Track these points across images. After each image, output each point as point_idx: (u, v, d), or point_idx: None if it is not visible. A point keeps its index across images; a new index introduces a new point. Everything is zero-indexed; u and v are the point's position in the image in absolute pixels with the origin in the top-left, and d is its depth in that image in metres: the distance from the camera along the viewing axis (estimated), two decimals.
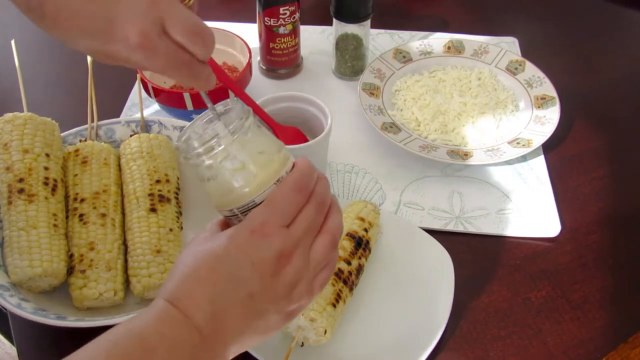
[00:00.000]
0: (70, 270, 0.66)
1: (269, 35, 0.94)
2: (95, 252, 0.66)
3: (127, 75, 0.95)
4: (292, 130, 0.81)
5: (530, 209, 0.80)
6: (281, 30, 0.92)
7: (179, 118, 0.84)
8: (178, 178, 0.75)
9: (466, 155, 0.83)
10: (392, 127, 0.87)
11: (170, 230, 0.69)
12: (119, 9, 0.48)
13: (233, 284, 0.43)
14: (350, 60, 0.97)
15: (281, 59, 0.97)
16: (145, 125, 0.80)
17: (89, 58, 0.77)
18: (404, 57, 0.98)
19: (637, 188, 0.83)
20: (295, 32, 0.94)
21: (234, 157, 0.46)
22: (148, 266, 0.66)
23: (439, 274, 0.69)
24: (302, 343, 0.63)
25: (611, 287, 0.72)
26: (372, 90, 0.92)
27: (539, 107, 0.90)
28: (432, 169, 0.85)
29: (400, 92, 0.94)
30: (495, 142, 0.86)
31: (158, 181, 0.72)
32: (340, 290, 0.64)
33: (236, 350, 0.45)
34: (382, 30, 1.08)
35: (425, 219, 0.78)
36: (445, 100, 0.91)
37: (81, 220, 0.68)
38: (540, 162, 0.86)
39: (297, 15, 0.92)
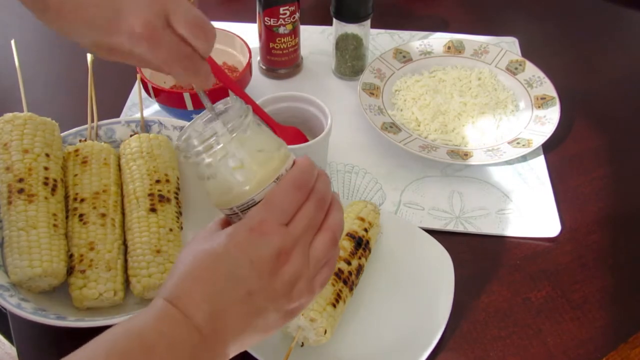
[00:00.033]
0: (70, 270, 0.66)
1: (269, 35, 0.94)
2: (95, 252, 0.66)
3: (127, 75, 0.95)
4: (292, 130, 0.81)
5: (530, 209, 0.80)
6: (281, 30, 0.92)
7: (179, 118, 0.84)
8: (178, 178, 0.75)
9: (466, 155, 0.83)
10: (392, 127, 0.87)
11: (170, 230, 0.69)
12: (123, 0, 0.48)
13: (232, 283, 0.43)
14: (350, 60, 0.97)
15: (281, 59, 0.97)
16: (145, 125, 0.80)
17: (89, 57, 0.77)
18: (404, 57, 0.98)
19: (637, 188, 0.83)
20: (295, 32, 0.94)
21: (233, 156, 0.46)
22: (148, 266, 0.66)
23: (439, 274, 0.69)
24: (302, 343, 0.63)
25: (611, 287, 0.72)
26: (372, 90, 0.92)
27: (539, 107, 0.90)
28: (432, 169, 0.85)
29: (400, 92, 0.94)
30: (495, 142, 0.86)
31: (158, 181, 0.72)
32: (340, 290, 0.64)
33: (236, 349, 0.45)
34: (382, 30, 1.08)
35: (425, 219, 0.78)
36: (445, 100, 0.91)
37: (81, 220, 0.68)
38: (540, 162, 0.86)
39: (297, 15, 0.92)
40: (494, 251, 0.76)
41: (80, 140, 0.77)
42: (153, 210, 0.69)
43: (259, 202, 0.46)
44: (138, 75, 0.85)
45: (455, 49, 0.99)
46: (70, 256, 0.67)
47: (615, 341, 0.67)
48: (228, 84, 0.79)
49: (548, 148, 0.87)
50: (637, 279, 0.73)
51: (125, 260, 0.68)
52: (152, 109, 0.93)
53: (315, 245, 0.46)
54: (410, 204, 0.80)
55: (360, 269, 0.68)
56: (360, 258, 0.68)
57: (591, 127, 0.91)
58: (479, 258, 0.75)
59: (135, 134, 0.79)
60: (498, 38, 1.06)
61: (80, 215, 0.68)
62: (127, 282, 0.68)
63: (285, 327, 0.62)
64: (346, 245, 0.67)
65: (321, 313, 0.61)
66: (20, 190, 0.67)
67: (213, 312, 0.42)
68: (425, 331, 0.65)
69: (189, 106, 0.84)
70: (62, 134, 0.76)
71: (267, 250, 0.44)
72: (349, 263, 0.66)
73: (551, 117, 0.88)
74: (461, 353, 0.66)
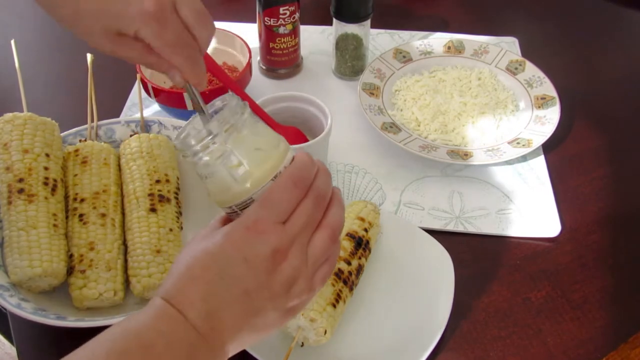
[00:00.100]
0: (70, 270, 0.66)
1: (269, 35, 0.94)
2: (95, 252, 0.66)
3: (127, 75, 0.95)
4: (292, 130, 0.81)
5: (530, 209, 0.80)
6: (281, 30, 0.92)
7: (179, 118, 0.84)
8: (178, 178, 0.75)
9: (466, 155, 0.83)
10: (392, 127, 0.87)
11: (170, 230, 0.69)
12: None
13: (227, 282, 0.43)
14: (350, 60, 0.97)
15: (281, 59, 0.97)
16: (145, 125, 0.80)
17: (89, 57, 0.77)
18: (404, 57, 0.98)
19: (637, 188, 0.83)
20: (295, 32, 0.94)
21: (230, 155, 0.45)
22: (148, 266, 0.66)
23: (439, 274, 0.69)
24: (302, 343, 0.63)
25: (611, 287, 0.72)
26: (372, 90, 0.92)
27: (539, 107, 0.90)
28: (432, 169, 0.85)
29: (400, 92, 0.94)
30: (495, 142, 0.86)
31: (158, 181, 0.72)
32: (340, 290, 0.64)
33: (235, 348, 0.45)
34: (382, 30, 1.08)
35: (425, 219, 0.78)
36: (445, 100, 0.91)
37: (81, 220, 0.68)
38: (540, 162, 0.86)
39: (297, 15, 0.92)
40: (494, 251, 0.76)
41: (80, 140, 0.77)
42: (153, 210, 0.69)
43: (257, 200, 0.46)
44: (138, 75, 0.85)
45: (455, 49, 0.99)
46: (70, 256, 0.67)
47: (615, 341, 0.67)
48: (228, 83, 0.79)
49: (548, 148, 0.87)
50: (637, 279, 0.73)
51: (125, 260, 0.68)
52: (152, 109, 0.93)
53: (313, 243, 0.46)
54: (410, 204, 0.80)
55: (360, 269, 0.68)
56: (360, 258, 0.68)
57: (591, 127, 0.91)
58: (479, 258, 0.75)
59: (135, 134, 0.79)
60: (498, 38, 1.06)
61: (80, 215, 0.68)
62: (127, 282, 0.68)
63: (285, 327, 0.62)
64: (346, 245, 0.67)
65: (321, 313, 0.61)
66: (20, 190, 0.67)
67: (210, 311, 0.42)
68: (425, 331, 0.65)
69: (189, 106, 0.84)
70: (62, 134, 0.76)
71: (262, 249, 0.43)
72: (349, 263, 0.66)
73: (551, 117, 0.88)
74: (461, 353, 0.66)
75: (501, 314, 0.69)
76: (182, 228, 0.72)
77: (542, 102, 0.90)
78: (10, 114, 0.71)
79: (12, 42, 0.74)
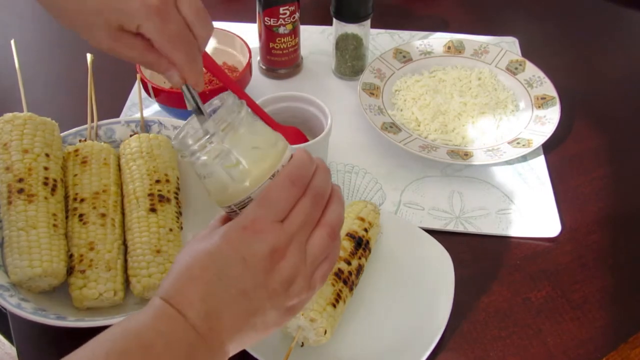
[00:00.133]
0: (70, 270, 0.66)
1: (269, 35, 0.94)
2: (95, 252, 0.66)
3: (127, 75, 0.95)
4: (292, 130, 0.81)
5: (530, 209, 0.80)
6: (281, 30, 0.92)
7: (179, 118, 0.84)
8: (178, 178, 0.75)
9: (466, 155, 0.83)
10: (392, 127, 0.87)
11: (170, 230, 0.69)
12: None
13: (225, 282, 0.43)
14: (350, 60, 0.97)
15: (281, 59, 0.97)
16: (145, 125, 0.80)
17: (88, 57, 0.77)
18: (404, 57, 0.98)
19: (637, 188, 0.83)
20: (295, 32, 0.94)
21: (227, 154, 0.45)
22: (148, 266, 0.66)
23: (439, 274, 0.69)
24: (302, 343, 0.63)
25: (611, 287, 0.72)
26: (372, 90, 0.92)
27: (539, 107, 0.90)
28: (432, 169, 0.85)
29: (400, 92, 0.94)
30: (496, 142, 0.86)
31: (158, 181, 0.72)
32: (340, 290, 0.64)
33: (236, 347, 0.45)
34: (382, 30, 1.08)
35: (425, 219, 0.78)
36: (445, 100, 0.91)
37: (81, 220, 0.68)
38: (540, 162, 0.86)
39: (297, 15, 0.92)
40: (494, 251, 0.76)
41: (80, 140, 0.77)
42: (153, 210, 0.69)
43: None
44: (138, 75, 0.85)
45: (455, 49, 0.99)
46: (70, 256, 0.67)
47: (615, 341, 0.67)
48: (228, 84, 0.79)
49: (548, 148, 0.87)
50: (637, 279, 0.73)
51: (125, 260, 0.68)
52: (152, 109, 0.93)
53: (312, 241, 0.46)
54: (410, 204, 0.80)
55: (360, 269, 0.68)
56: (360, 258, 0.68)
57: (591, 127, 0.91)
58: (479, 258, 0.75)
59: (135, 134, 0.79)
60: (498, 38, 1.06)
61: (80, 215, 0.68)
62: (127, 282, 0.68)
63: (285, 327, 0.62)
64: (346, 245, 0.67)
65: (321, 313, 0.60)
66: (20, 190, 0.67)
67: (208, 311, 0.42)
68: (425, 331, 0.65)
69: (189, 106, 0.84)
70: (62, 134, 0.76)
71: (260, 248, 0.43)
72: (349, 263, 0.66)
73: (551, 117, 0.88)
74: (461, 353, 0.66)
75: (501, 314, 0.69)
76: (182, 228, 0.72)
77: (542, 102, 0.90)
78: (10, 114, 0.71)
79: (12, 42, 0.74)
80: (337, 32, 0.95)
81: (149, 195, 0.70)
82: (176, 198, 0.73)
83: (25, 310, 0.61)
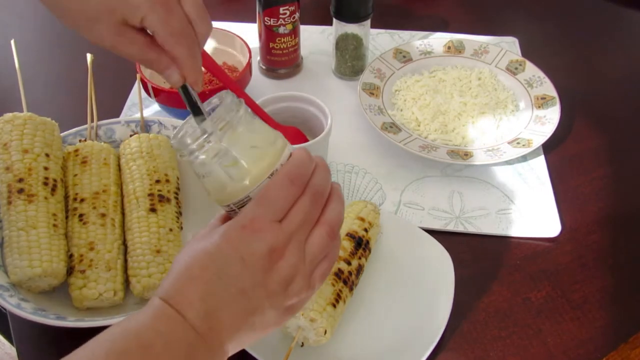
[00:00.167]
0: (70, 271, 0.66)
1: (269, 35, 0.94)
2: (95, 252, 0.66)
3: (127, 75, 0.95)
4: (292, 130, 0.81)
5: (530, 209, 0.80)
6: (281, 30, 0.92)
7: (178, 118, 0.84)
8: (178, 178, 0.75)
9: (466, 155, 0.83)
10: (392, 127, 0.87)
11: (170, 230, 0.69)
12: None
13: (224, 281, 0.43)
14: (350, 60, 0.97)
15: (281, 59, 0.97)
16: (145, 125, 0.80)
17: (88, 57, 0.77)
18: (404, 57, 0.98)
19: (637, 188, 0.83)
20: (295, 32, 0.94)
21: (225, 154, 0.45)
22: (148, 266, 0.66)
23: (439, 274, 0.69)
24: (302, 343, 0.63)
25: (611, 287, 0.72)
26: (372, 90, 0.92)
27: (539, 107, 0.90)
28: (432, 169, 0.85)
29: (400, 92, 0.94)
30: (496, 142, 0.86)
31: (158, 181, 0.72)
32: (340, 290, 0.64)
33: (235, 347, 0.45)
34: (382, 30, 1.08)
35: (425, 219, 0.78)
36: (445, 100, 0.91)
37: (81, 220, 0.68)
38: (540, 162, 0.86)
39: (297, 15, 0.92)
40: (494, 251, 0.76)
41: (80, 140, 0.77)
42: (153, 210, 0.69)
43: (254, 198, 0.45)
44: (138, 75, 0.84)
45: (455, 49, 0.99)
46: (70, 256, 0.67)
47: (615, 341, 0.67)
48: (227, 83, 0.79)
49: (548, 148, 0.87)
50: (637, 279, 0.73)
51: (125, 260, 0.68)
52: (152, 109, 0.93)
53: (311, 240, 0.46)
54: (410, 204, 0.80)
55: (360, 269, 0.68)
56: (360, 258, 0.68)
57: (591, 127, 0.91)
58: (479, 258, 0.75)
59: (135, 134, 0.79)
60: (498, 38, 1.06)
61: (80, 215, 0.68)
62: (127, 282, 0.68)
63: (285, 327, 0.62)
64: (346, 245, 0.67)
65: (321, 313, 0.60)
66: (20, 190, 0.67)
67: (207, 311, 0.42)
68: (425, 331, 0.65)
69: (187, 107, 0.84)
70: (62, 134, 0.76)
71: (259, 248, 0.43)
72: (349, 263, 0.66)
73: (551, 117, 0.88)
74: (461, 353, 0.66)
75: (501, 314, 0.69)
76: (182, 228, 0.72)
77: (542, 102, 0.90)
78: (10, 114, 0.71)
79: (12, 42, 0.74)
80: (337, 32, 0.95)
81: (149, 195, 0.70)
82: (176, 198, 0.73)
83: (25, 310, 0.61)
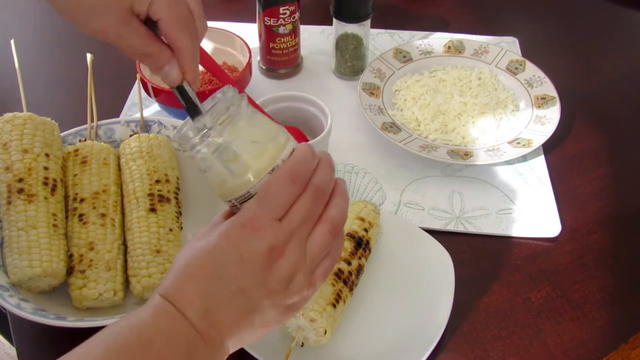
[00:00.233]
0: (69, 271, 0.66)
1: (269, 35, 0.94)
2: (94, 252, 0.66)
3: (127, 75, 0.95)
4: (292, 130, 0.81)
5: (530, 209, 0.80)
6: (281, 30, 0.92)
7: (179, 118, 0.84)
8: (178, 178, 0.75)
9: (466, 155, 0.83)
10: (392, 127, 0.87)
11: (170, 230, 0.69)
12: None
13: (224, 280, 0.43)
14: (350, 60, 0.97)
15: (281, 59, 0.97)
16: (145, 125, 0.80)
17: (88, 57, 0.77)
18: (404, 56, 0.98)
19: (637, 188, 0.83)
20: (295, 32, 0.94)
21: (225, 149, 0.45)
22: (148, 266, 0.66)
23: (439, 274, 0.69)
24: (302, 343, 0.63)
25: (611, 287, 0.72)
26: (372, 90, 0.92)
27: (539, 107, 0.90)
28: (432, 169, 0.85)
29: (400, 92, 0.94)
30: (496, 142, 0.86)
31: (158, 181, 0.72)
32: (340, 290, 0.64)
33: (235, 345, 0.45)
34: (382, 30, 1.08)
35: (426, 219, 0.78)
36: (445, 100, 0.91)
37: (81, 220, 0.68)
38: (540, 162, 0.86)
39: (297, 15, 0.92)
40: (494, 251, 0.75)
41: (80, 140, 0.77)
42: (153, 210, 0.69)
43: (255, 194, 0.45)
44: (138, 75, 0.84)
45: (455, 49, 0.99)
46: (70, 256, 0.67)
47: (615, 341, 0.67)
48: (227, 83, 0.79)
49: (548, 148, 0.87)
50: (637, 279, 0.73)
51: (125, 260, 0.68)
52: (152, 109, 0.93)
53: (312, 238, 0.45)
54: (410, 204, 0.80)
55: (360, 269, 0.68)
56: (360, 258, 0.68)
57: (591, 127, 0.91)
58: (479, 258, 0.75)
59: (135, 133, 0.79)
60: (498, 38, 1.06)
61: (80, 215, 0.68)
62: (127, 282, 0.68)
63: (285, 327, 0.62)
64: (346, 245, 0.67)
65: (321, 313, 0.60)
66: (20, 190, 0.67)
67: (208, 310, 0.42)
68: (425, 331, 0.65)
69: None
70: (61, 134, 0.76)
71: (258, 246, 0.43)
72: (349, 263, 0.66)
73: (551, 117, 0.88)
74: (461, 353, 0.66)
75: (501, 314, 0.69)
76: (182, 228, 0.72)
77: (542, 102, 0.90)
78: (10, 114, 0.71)
79: (12, 42, 0.74)
80: (337, 32, 0.95)
81: (149, 195, 0.70)
82: (176, 198, 0.73)
83: (25, 310, 0.61)
